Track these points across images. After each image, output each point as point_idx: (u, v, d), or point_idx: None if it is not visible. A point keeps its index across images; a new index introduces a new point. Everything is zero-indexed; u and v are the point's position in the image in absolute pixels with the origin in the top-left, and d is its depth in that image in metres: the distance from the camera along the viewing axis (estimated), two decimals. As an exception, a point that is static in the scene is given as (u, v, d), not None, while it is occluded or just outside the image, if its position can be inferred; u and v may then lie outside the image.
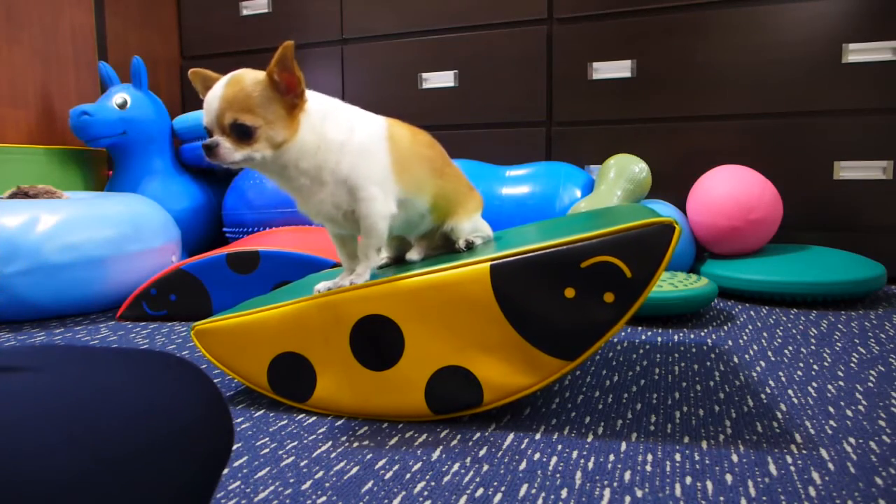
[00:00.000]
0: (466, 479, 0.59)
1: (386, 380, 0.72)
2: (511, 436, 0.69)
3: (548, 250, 0.67)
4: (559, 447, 0.66)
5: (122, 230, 1.31)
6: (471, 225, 0.86)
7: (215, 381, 0.55)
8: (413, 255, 0.85)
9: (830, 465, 0.61)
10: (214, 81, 0.70)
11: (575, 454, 0.64)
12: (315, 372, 0.76)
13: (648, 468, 0.61)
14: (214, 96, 0.68)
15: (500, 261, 0.68)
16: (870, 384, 0.83)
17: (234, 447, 0.67)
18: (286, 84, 0.68)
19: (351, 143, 0.73)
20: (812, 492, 0.56)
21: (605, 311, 0.66)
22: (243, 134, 0.68)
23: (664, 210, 1.49)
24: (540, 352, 0.68)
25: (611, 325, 0.66)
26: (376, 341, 0.72)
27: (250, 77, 0.68)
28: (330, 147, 0.71)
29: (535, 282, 0.67)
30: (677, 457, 0.63)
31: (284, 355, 0.77)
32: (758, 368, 0.90)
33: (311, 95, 0.72)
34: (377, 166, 0.74)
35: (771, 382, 0.84)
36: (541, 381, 0.69)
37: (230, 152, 0.68)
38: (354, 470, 0.61)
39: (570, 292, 0.66)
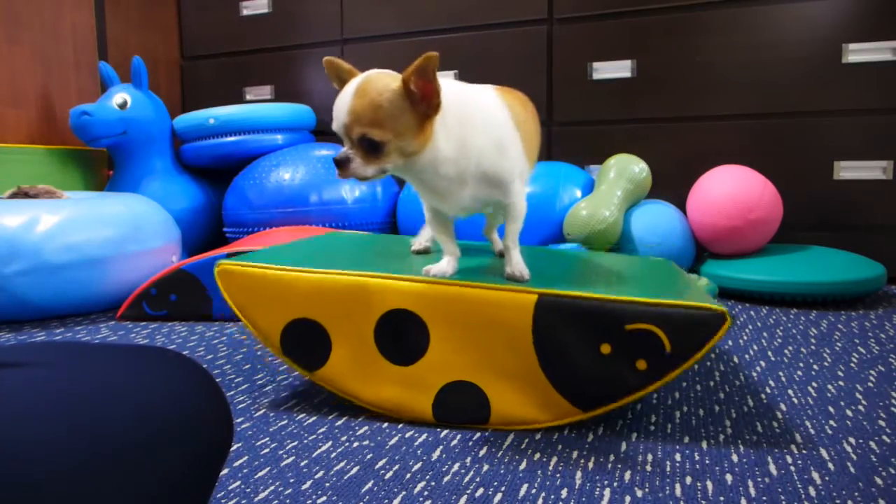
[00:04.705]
0: (466, 479, 0.59)
1: (400, 375, 0.72)
2: (511, 436, 0.69)
3: (598, 302, 0.67)
4: (559, 447, 0.66)
5: (122, 230, 1.31)
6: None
7: (216, 379, 0.55)
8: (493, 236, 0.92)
9: (830, 465, 0.61)
10: (348, 75, 0.67)
11: (575, 454, 0.64)
12: (331, 346, 0.74)
13: (648, 468, 0.61)
14: (342, 107, 0.64)
15: (548, 297, 0.68)
16: (870, 384, 0.83)
17: (234, 447, 0.67)
18: (422, 94, 0.64)
19: (490, 144, 0.70)
20: (812, 492, 0.56)
21: (634, 376, 0.66)
22: (373, 148, 0.64)
23: (664, 210, 1.49)
24: (558, 394, 0.68)
25: (634, 391, 0.67)
26: (402, 336, 0.72)
27: (381, 84, 0.64)
28: (470, 153, 0.69)
29: (576, 328, 0.67)
30: (677, 457, 0.63)
31: (304, 321, 0.75)
32: (758, 368, 0.90)
33: (444, 91, 0.65)
34: (516, 158, 0.74)
35: (771, 382, 0.84)
36: (549, 420, 0.69)
37: (362, 168, 0.65)
38: (354, 470, 0.61)
39: (606, 348, 0.67)
